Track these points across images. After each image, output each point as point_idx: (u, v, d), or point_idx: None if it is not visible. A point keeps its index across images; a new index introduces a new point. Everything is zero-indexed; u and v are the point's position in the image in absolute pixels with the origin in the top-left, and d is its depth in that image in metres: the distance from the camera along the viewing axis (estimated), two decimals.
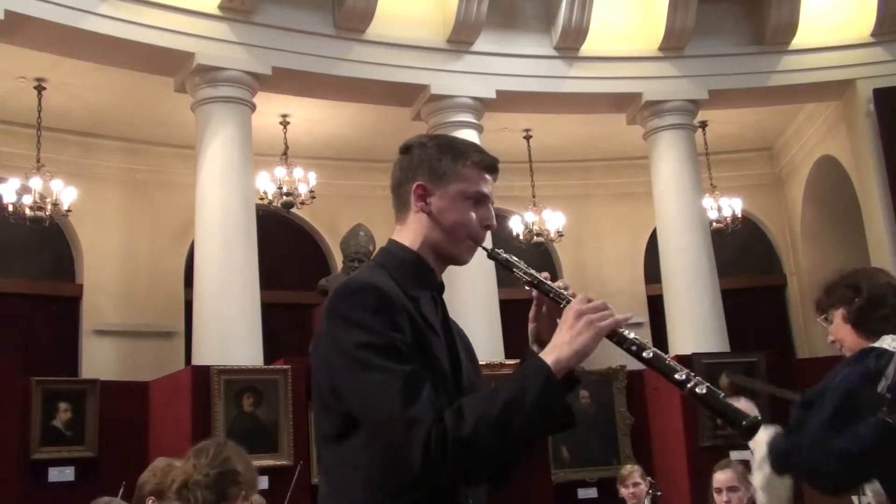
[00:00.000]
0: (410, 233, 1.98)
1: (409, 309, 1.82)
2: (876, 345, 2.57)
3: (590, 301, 1.78)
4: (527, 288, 1.93)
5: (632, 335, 1.77)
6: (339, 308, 1.82)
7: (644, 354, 1.76)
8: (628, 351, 1.77)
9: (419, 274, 1.94)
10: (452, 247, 1.97)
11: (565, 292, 1.87)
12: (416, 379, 1.71)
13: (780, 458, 2.62)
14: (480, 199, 1.97)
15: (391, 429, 1.70)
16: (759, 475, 2.73)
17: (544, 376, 1.69)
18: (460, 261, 2.00)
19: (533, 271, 1.93)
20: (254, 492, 2.80)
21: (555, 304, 1.87)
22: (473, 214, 1.96)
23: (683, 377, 1.73)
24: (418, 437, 1.65)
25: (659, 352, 1.76)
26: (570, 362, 1.72)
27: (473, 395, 1.75)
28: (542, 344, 1.83)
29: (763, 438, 2.72)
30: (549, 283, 1.91)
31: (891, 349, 2.51)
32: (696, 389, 1.71)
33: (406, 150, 2.04)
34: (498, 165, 2.03)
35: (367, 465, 1.76)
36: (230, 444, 2.83)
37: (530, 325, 1.98)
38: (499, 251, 1.99)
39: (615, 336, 1.76)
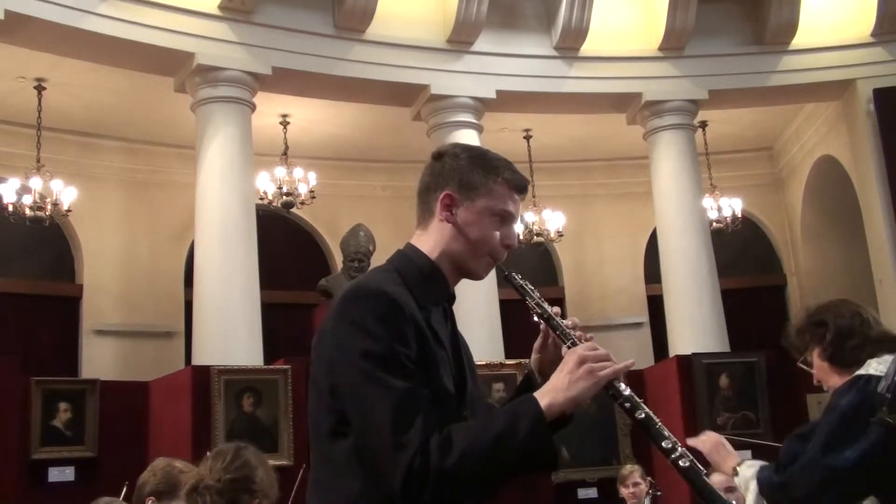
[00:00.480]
0: (431, 240, 1.96)
1: (418, 320, 1.80)
2: (862, 372, 2.59)
3: (595, 349, 1.77)
4: (535, 319, 1.93)
5: (627, 391, 1.76)
6: (348, 311, 1.80)
7: (637, 415, 1.76)
8: (621, 406, 1.77)
9: (433, 283, 1.92)
10: (472, 261, 1.95)
11: (573, 332, 1.87)
12: (412, 400, 1.70)
13: (772, 492, 2.63)
14: (507, 218, 1.96)
15: (377, 448, 1.70)
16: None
17: (536, 419, 1.68)
18: (476, 276, 1.99)
19: (546, 305, 1.93)
20: (270, 501, 2.68)
21: (561, 341, 1.88)
22: (497, 232, 1.94)
23: (670, 446, 1.73)
24: (401, 463, 1.65)
25: (651, 413, 1.76)
26: (564, 408, 1.71)
27: (464, 425, 1.74)
28: (544, 376, 1.84)
29: (748, 475, 2.73)
30: (558, 319, 1.91)
31: (876, 374, 2.52)
32: (680, 462, 1.72)
33: (438, 156, 2.02)
34: (528, 186, 2.03)
35: (350, 474, 1.76)
36: (251, 449, 2.73)
37: (534, 356, 1.98)
38: (516, 275, 1.99)
39: (611, 389, 1.76)
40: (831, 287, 11.01)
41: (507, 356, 8.78)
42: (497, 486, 1.74)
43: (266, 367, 7.87)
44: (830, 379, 2.77)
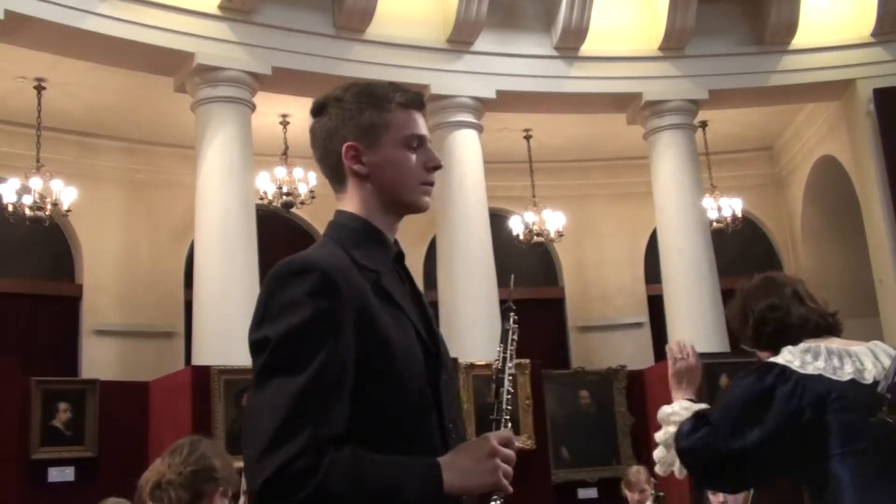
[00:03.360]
0: (356, 198, 1.81)
1: (360, 288, 1.66)
2: (774, 359, 2.55)
3: (509, 445, 1.65)
4: (493, 369, 1.84)
5: None
6: (273, 288, 1.66)
7: None
8: None
9: (374, 242, 1.78)
10: (404, 197, 1.81)
11: (505, 412, 1.76)
12: (321, 391, 1.55)
13: (678, 451, 2.60)
14: (419, 142, 1.82)
15: (261, 433, 1.54)
16: (662, 433, 2.71)
17: (433, 490, 1.57)
18: (417, 206, 1.83)
19: (509, 367, 1.82)
20: (233, 488, 2.72)
21: (494, 408, 1.79)
22: (414, 158, 1.81)
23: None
24: (280, 456, 1.50)
25: None
26: (457, 492, 1.60)
27: (370, 456, 1.57)
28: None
29: (675, 418, 2.69)
30: (506, 390, 1.78)
31: (783, 362, 2.48)
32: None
33: (320, 109, 1.84)
34: (424, 100, 1.88)
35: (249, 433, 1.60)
36: (206, 441, 2.76)
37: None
38: (512, 314, 1.89)
39: (493, 498, 1.65)
40: (831, 287, 10.99)
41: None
42: None
43: None
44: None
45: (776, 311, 2.65)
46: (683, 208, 9.83)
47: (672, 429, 2.65)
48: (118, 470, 6.51)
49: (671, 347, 2.90)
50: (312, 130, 1.86)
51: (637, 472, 6.26)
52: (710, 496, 4.50)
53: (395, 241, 1.87)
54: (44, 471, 7.12)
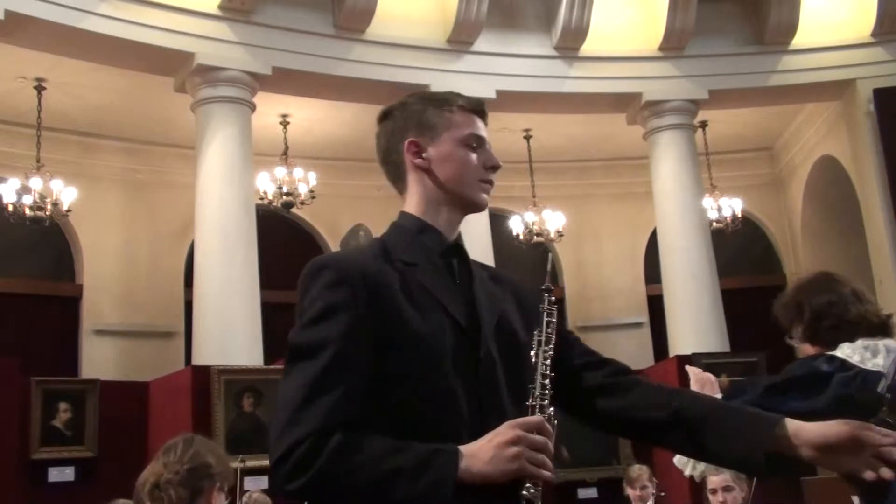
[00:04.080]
0: (415, 196, 1.87)
1: (384, 280, 1.72)
2: (830, 353, 2.58)
3: (540, 430, 1.62)
4: (532, 350, 1.78)
5: (535, 494, 1.62)
6: (300, 291, 1.78)
7: None
8: (521, 497, 1.62)
9: (422, 238, 1.83)
10: (463, 191, 1.85)
11: (544, 395, 1.71)
12: (334, 378, 1.62)
13: None
14: (478, 142, 1.86)
15: (278, 419, 1.63)
16: None
17: (444, 480, 1.56)
18: (477, 203, 1.87)
19: (545, 351, 1.76)
20: (229, 483, 2.76)
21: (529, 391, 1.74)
22: (475, 157, 1.85)
23: None
24: (288, 438, 1.58)
25: None
26: (474, 480, 1.58)
27: (378, 439, 1.60)
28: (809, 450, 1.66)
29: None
30: (541, 374, 1.73)
31: (842, 356, 2.51)
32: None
33: (386, 115, 1.93)
34: (485, 108, 1.92)
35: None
36: (198, 438, 2.80)
37: (819, 430, 1.67)
38: (547, 295, 1.84)
39: (526, 486, 1.61)
40: None
41: None
42: None
43: (266, 367, 7.86)
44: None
45: (834, 306, 2.68)
46: (683, 208, 9.83)
47: None
48: (118, 470, 6.50)
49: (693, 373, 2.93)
50: (377, 136, 1.92)
51: (639, 469, 6.27)
52: (710, 496, 4.49)
53: (459, 235, 1.90)
54: (44, 471, 7.12)
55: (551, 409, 1.71)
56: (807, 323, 2.74)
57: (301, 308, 1.75)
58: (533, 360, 1.75)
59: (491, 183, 1.88)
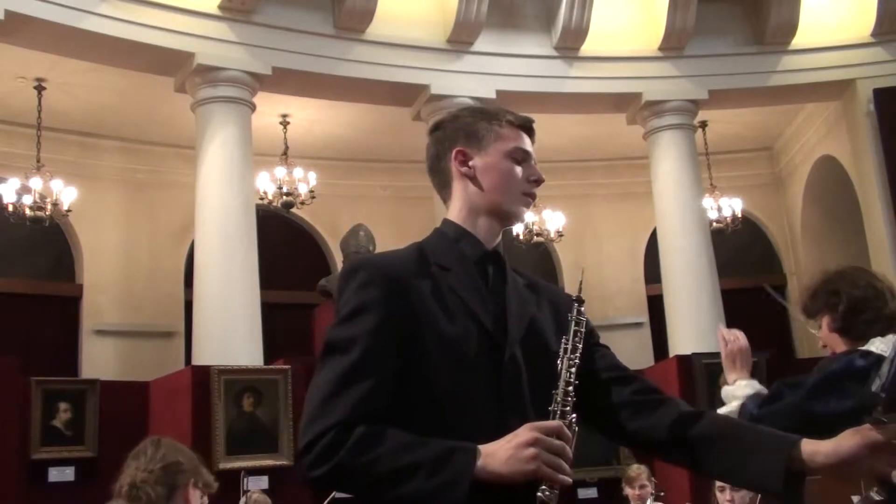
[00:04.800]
0: (457, 203, 1.93)
1: (415, 282, 1.78)
2: (863, 347, 2.57)
3: (559, 434, 1.65)
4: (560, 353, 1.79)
5: (550, 497, 1.64)
6: (338, 288, 1.84)
7: None
8: (537, 498, 1.64)
9: (460, 244, 1.89)
10: (505, 204, 1.91)
11: (566, 401, 1.73)
12: (358, 372, 1.68)
13: (750, 423, 2.61)
14: (523, 156, 1.92)
15: (308, 410, 1.70)
16: (726, 409, 2.71)
17: (460, 477, 1.59)
18: (516, 215, 1.94)
19: (570, 359, 1.77)
20: (202, 480, 2.88)
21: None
22: (519, 170, 1.91)
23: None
24: (314, 429, 1.65)
25: None
26: (490, 479, 1.61)
27: (400, 433, 1.65)
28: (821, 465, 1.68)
29: (738, 394, 2.71)
30: (565, 381, 1.75)
31: (877, 352, 2.50)
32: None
33: (438, 126, 2.00)
34: (533, 124, 1.99)
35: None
36: (164, 440, 2.94)
37: (835, 448, 1.69)
38: (576, 304, 1.85)
39: (543, 489, 1.63)
40: None
41: None
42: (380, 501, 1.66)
43: (266, 367, 7.87)
44: (838, 347, 2.73)
45: (873, 300, 2.67)
46: (683, 208, 9.83)
47: (736, 404, 2.67)
48: (118, 470, 6.51)
49: (722, 332, 2.91)
50: (427, 146, 1.99)
51: (638, 468, 6.27)
52: (718, 493, 4.50)
53: (499, 244, 1.95)
54: (44, 471, 7.12)
55: (573, 415, 1.74)
56: (842, 313, 2.71)
57: (338, 307, 1.81)
58: (558, 365, 1.78)
59: (533, 196, 1.94)
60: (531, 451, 1.62)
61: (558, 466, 1.63)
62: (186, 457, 2.85)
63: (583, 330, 1.83)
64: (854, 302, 2.69)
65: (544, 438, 1.63)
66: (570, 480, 1.65)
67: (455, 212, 1.93)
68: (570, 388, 1.76)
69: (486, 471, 1.61)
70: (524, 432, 1.64)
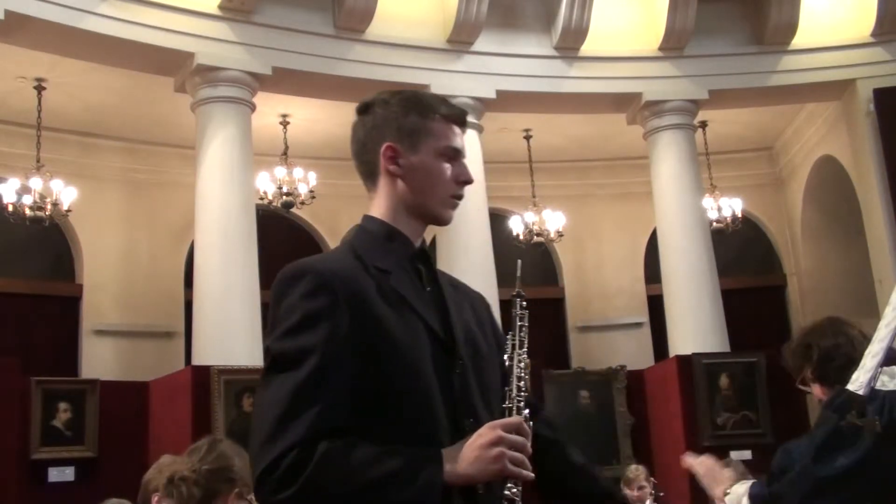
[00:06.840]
0: (383, 201, 1.87)
1: (361, 287, 1.72)
2: (847, 386, 2.60)
3: (519, 430, 1.64)
4: (506, 355, 1.82)
5: (517, 493, 1.65)
6: (275, 296, 1.74)
7: None
8: (503, 497, 1.66)
9: (392, 244, 1.84)
10: (432, 207, 1.86)
11: (519, 397, 1.74)
12: (317, 386, 1.61)
13: (768, 490, 2.65)
14: (454, 155, 1.87)
15: (261, 429, 1.63)
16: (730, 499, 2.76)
17: (430, 486, 1.58)
18: (442, 219, 1.89)
19: (519, 354, 1.80)
20: (249, 490, 2.69)
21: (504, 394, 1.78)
22: (449, 169, 1.86)
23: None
24: (273, 451, 1.58)
25: None
26: (457, 482, 1.61)
27: (365, 447, 1.61)
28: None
29: (740, 491, 2.75)
30: (517, 377, 1.76)
31: (852, 388, 2.53)
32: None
33: (366, 108, 1.90)
34: (467, 118, 1.94)
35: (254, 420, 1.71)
36: (227, 441, 2.80)
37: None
38: (519, 300, 1.88)
39: (508, 486, 1.65)
40: (831, 287, 11.02)
41: None
42: None
43: None
44: (823, 396, 2.84)
45: (843, 347, 2.77)
46: (683, 208, 9.82)
47: (746, 501, 2.72)
48: (118, 470, 6.52)
49: (686, 461, 3.05)
50: (354, 127, 1.91)
51: (636, 469, 6.27)
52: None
53: (423, 241, 1.92)
54: (44, 471, 7.13)
55: (526, 410, 1.74)
56: (816, 363, 2.82)
57: (276, 316, 1.72)
58: (507, 363, 1.78)
59: (460, 198, 1.90)
60: (496, 450, 1.61)
61: (521, 462, 1.63)
62: (242, 463, 2.66)
63: (526, 325, 1.84)
64: (825, 351, 2.80)
65: (507, 436, 1.62)
66: (533, 475, 1.64)
67: (381, 209, 1.87)
68: (522, 383, 1.76)
69: (455, 474, 1.60)
70: (487, 432, 1.63)
